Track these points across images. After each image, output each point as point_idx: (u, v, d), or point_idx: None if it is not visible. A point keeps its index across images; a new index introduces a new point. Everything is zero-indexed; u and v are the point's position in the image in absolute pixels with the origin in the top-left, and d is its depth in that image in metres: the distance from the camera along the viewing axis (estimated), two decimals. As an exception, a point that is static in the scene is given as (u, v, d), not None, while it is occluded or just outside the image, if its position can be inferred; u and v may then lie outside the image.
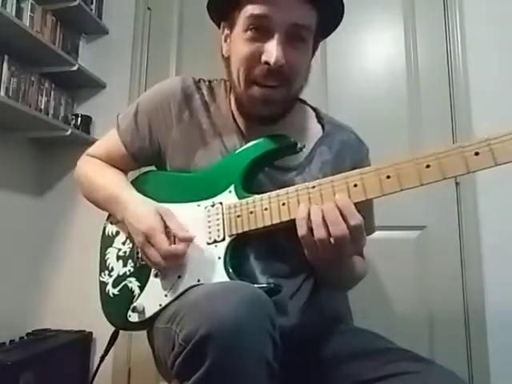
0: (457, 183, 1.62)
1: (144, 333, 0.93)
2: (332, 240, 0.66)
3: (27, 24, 1.58)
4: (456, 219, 1.64)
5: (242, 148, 0.83)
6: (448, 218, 1.62)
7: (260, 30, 0.76)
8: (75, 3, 1.75)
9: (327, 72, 1.75)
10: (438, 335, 1.57)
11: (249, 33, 0.77)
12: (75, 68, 1.78)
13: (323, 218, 0.66)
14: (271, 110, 0.80)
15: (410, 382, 0.65)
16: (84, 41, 1.99)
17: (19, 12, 1.57)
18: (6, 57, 1.55)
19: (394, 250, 1.59)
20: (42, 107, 1.73)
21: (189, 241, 0.76)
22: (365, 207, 0.72)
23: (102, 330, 1.75)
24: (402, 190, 0.67)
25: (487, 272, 1.58)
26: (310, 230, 0.67)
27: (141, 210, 0.80)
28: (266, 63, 0.74)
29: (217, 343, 0.55)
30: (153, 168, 0.98)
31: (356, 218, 0.66)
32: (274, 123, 0.83)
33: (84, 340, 1.74)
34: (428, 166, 0.65)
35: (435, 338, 1.56)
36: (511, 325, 1.52)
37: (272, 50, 0.74)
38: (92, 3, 1.93)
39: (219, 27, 0.89)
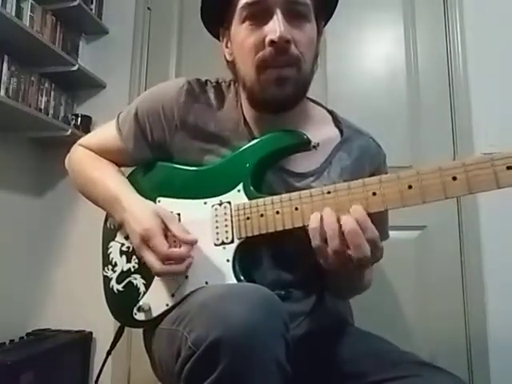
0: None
1: (144, 333, 0.93)
2: (350, 253, 0.62)
3: (27, 24, 1.58)
4: (456, 219, 1.64)
5: (252, 143, 0.79)
6: (448, 218, 1.63)
7: (257, 16, 0.76)
8: (75, 3, 1.75)
9: (327, 72, 1.75)
10: (438, 333, 1.57)
11: (247, 23, 0.76)
12: (75, 68, 1.78)
13: (340, 231, 0.62)
14: (285, 92, 0.76)
15: None
16: (84, 41, 1.99)
17: (19, 12, 1.57)
18: (5, 57, 1.55)
19: (394, 250, 1.59)
20: (42, 107, 1.74)
21: (192, 243, 0.73)
22: (382, 213, 0.68)
23: (102, 330, 1.76)
24: (424, 203, 0.62)
25: (487, 272, 1.58)
26: (325, 240, 0.64)
27: (140, 211, 0.77)
28: (272, 43, 0.72)
29: (230, 347, 0.52)
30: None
31: (373, 233, 0.62)
32: (289, 109, 0.80)
33: (84, 340, 1.73)
34: (454, 179, 0.60)
35: (435, 336, 1.56)
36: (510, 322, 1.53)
37: (275, 27, 0.73)
38: (92, 3, 1.94)
39: (218, 38, 0.89)
